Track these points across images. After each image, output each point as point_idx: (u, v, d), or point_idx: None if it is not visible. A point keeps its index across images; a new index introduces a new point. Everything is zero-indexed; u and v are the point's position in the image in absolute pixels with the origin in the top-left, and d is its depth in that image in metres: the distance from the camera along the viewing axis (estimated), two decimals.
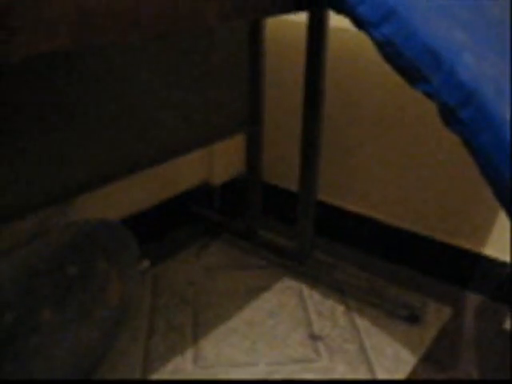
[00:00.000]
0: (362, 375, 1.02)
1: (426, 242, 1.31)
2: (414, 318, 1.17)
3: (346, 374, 1.02)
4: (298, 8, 0.70)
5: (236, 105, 1.25)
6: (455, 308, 1.21)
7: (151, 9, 0.51)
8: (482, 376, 1.03)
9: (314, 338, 1.12)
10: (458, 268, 1.28)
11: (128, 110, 1.01)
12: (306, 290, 1.26)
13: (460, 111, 0.67)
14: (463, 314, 1.20)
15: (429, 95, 0.68)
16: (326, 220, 1.48)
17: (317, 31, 1.12)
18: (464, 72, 0.66)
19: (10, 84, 0.81)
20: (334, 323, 1.16)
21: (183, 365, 1.04)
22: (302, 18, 1.35)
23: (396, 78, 1.25)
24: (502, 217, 1.20)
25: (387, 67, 1.26)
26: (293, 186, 1.53)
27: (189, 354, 1.07)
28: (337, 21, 1.29)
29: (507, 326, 1.15)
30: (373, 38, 0.67)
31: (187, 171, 1.46)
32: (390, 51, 0.67)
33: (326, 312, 1.19)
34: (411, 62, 0.67)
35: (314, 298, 1.24)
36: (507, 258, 1.21)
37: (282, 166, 1.54)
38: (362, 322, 1.16)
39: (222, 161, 1.52)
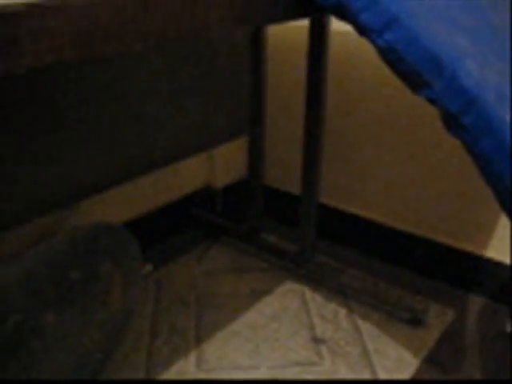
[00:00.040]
0: (365, 378, 1.02)
1: (428, 244, 1.32)
2: (416, 321, 1.17)
3: (349, 377, 1.03)
4: (300, 15, 0.71)
5: (238, 108, 1.26)
6: (458, 310, 1.22)
7: (155, 19, 0.51)
8: (483, 377, 1.03)
9: (316, 341, 1.12)
10: (461, 271, 1.28)
11: (130, 114, 1.01)
12: (308, 293, 1.27)
13: (462, 117, 0.67)
14: (466, 316, 1.20)
15: (431, 101, 0.68)
16: (328, 223, 1.48)
17: (318, 35, 1.13)
18: (466, 78, 0.66)
19: (9, 89, 0.82)
20: (336, 326, 1.16)
21: (186, 368, 1.04)
22: (303, 21, 1.35)
23: (397, 81, 1.26)
24: (504, 219, 1.20)
25: (388, 70, 1.26)
26: (295, 188, 1.53)
27: (192, 357, 1.07)
28: (338, 24, 1.29)
29: (508, 328, 1.15)
30: (375, 45, 0.67)
31: (189, 175, 1.46)
32: (392, 57, 0.67)
33: (329, 315, 1.20)
34: (413, 67, 0.68)
35: (316, 300, 1.24)
36: (509, 261, 1.21)
37: (283, 169, 1.54)
38: (364, 325, 1.17)
39: (223, 164, 1.52)
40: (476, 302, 1.24)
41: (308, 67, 1.16)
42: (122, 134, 1.01)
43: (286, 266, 1.36)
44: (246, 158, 1.58)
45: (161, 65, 1.05)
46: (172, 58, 1.07)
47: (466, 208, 1.25)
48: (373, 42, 0.67)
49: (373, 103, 1.31)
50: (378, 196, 1.38)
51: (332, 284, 1.29)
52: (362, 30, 0.67)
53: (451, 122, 0.69)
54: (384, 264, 1.38)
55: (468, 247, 1.27)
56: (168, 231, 1.47)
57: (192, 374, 1.03)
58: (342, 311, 1.21)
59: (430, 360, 1.07)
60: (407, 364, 1.06)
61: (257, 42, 1.24)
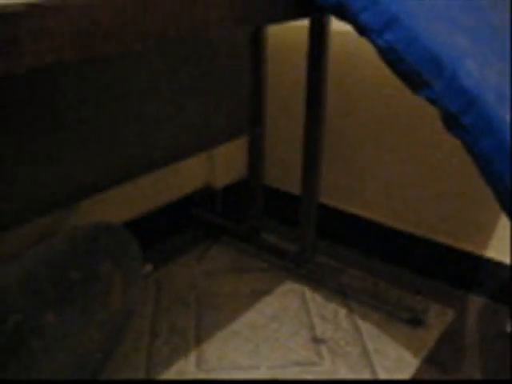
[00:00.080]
0: (365, 378, 1.02)
1: (428, 244, 1.32)
2: (416, 321, 1.17)
3: (349, 377, 1.03)
4: (300, 15, 0.71)
5: (238, 108, 1.26)
6: (458, 310, 1.22)
7: (155, 19, 0.51)
8: (483, 377, 1.03)
9: (316, 341, 1.12)
10: (461, 271, 1.28)
11: (130, 114, 1.01)
12: (308, 293, 1.27)
13: (462, 117, 0.67)
14: (466, 316, 1.20)
15: (431, 101, 0.68)
16: (328, 223, 1.48)
17: (318, 35, 1.13)
18: (466, 78, 0.66)
19: (9, 89, 0.82)
20: (336, 326, 1.16)
21: (186, 368, 1.04)
22: (303, 21, 1.35)
23: (397, 81, 1.26)
24: (504, 219, 1.20)
25: (388, 70, 1.26)
26: (295, 188, 1.53)
27: (192, 357, 1.07)
28: (338, 24, 1.29)
29: (508, 328, 1.15)
30: (375, 45, 0.67)
31: (189, 175, 1.46)
32: (392, 57, 0.67)
33: (329, 315, 1.20)
34: (413, 67, 0.68)
35: (316, 300, 1.24)
36: (509, 261, 1.21)
37: (283, 169, 1.54)
38: (364, 325, 1.17)
39: (223, 164, 1.52)
40: (476, 302, 1.24)
41: (308, 67, 1.16)
42: (122, 134, 1.01)
43: (286, 266, 1.36)
44: (246, 158, 1.58)
45: (161, 65, 1.05)
46: (172, 58, 1.07)
47: (466, 208, 1.25)
48: (373, 42, 0.67)
49: (373, 103, 1.31)
50: (378, 196, 1.38)
51: (332, 284, 1.29)
52: (361, 29, 0.67)
53: (451, 122, 0.69)
54: (384, 264, 1.38)
55: (468, 247, 1.27)
56: (168, 231, 1.47)
57: (192, 373, 1.03)
58: (342, 311, 1.21)
59: (430, 360, 1.07)
60: (407, 364, 1.06)
61: (257, 42, 1.24)
